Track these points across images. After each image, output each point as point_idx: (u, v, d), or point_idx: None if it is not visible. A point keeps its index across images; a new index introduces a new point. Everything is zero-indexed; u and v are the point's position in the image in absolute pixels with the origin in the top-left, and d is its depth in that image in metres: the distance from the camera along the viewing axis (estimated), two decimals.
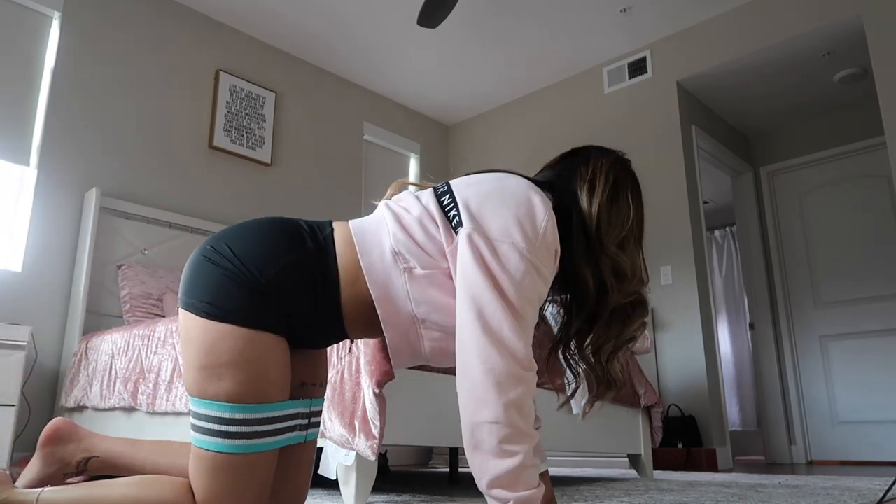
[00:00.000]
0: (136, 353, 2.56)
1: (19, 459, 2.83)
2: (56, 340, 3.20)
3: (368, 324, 1.10)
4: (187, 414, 2.22)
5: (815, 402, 4.56)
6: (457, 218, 1.04)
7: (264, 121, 4.28)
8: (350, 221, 1.14)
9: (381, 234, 1.08)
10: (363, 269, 1.05)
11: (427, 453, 4.66)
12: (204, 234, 3.79)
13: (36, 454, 1.25)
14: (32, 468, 1.24)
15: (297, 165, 4.47)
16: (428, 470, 3.97)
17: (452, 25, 4.22)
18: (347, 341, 1.77)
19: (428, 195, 1.11)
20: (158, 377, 2.38)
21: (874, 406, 4.33)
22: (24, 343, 2.69)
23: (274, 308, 1.03)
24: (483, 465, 0.95)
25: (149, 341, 2.53)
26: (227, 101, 4.11)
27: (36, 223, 3.25)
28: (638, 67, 4.50)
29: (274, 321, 1.03)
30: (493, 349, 0.96)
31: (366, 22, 4.24)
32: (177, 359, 2.34)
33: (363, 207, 4.81)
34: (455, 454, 2.81)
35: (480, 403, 0.95)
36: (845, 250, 4.62)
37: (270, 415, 1.03)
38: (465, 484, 2.59)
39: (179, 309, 1.06)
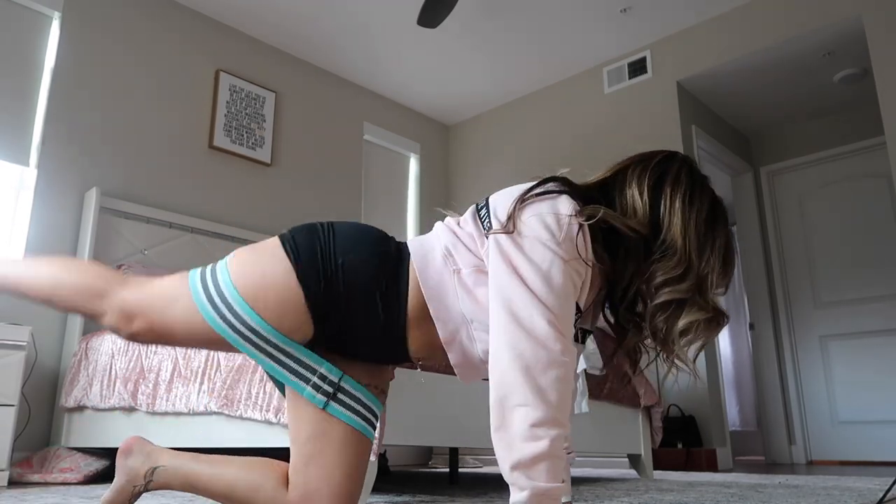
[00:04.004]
0: (136, 353, 2.56)
1: (19, 459, 2.83)
2: (56, 340, 3.20)
3: (431, 340, 1.14)
4: (187, 414, 2.22)
5: (815, 402, 4.56)
6: (487, 222, 1.10)
7: (264, 121, 4.28)
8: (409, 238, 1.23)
9: (435, 242, 1.15)
10: (416, 269, 1.12)
11: (427, 453, 4.66)
12: (204, 233, 3.79)
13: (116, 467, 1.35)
14: (115, 481, 1.32)
15: (297, 165, 4.47)
16: (428, 470, 3.97)
17: (453, 25, 4.22)
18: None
19: (470, 212, 1.17)
20: (158, 377, 2.38)
21: (874, 406, 4.33)
22: (24, 343, 2.69)
23: (331, 284, 1.10)
24: (508, 446, 0.94)
25: None
26: (227, 101, 4.11)
27: (36, 223, 3.25)
28: (638, 67, 4.50)
29: (314, 287, 1.10)
30: (522, 335, 0.98)
31: (366, 22, 4.24)
32: (177, 358, 2.34)
33: (363, 207, 4.81)
34: (455, 454, 2.80)
35: (508, 388, 0.96)
36: (845, 250, 4.61)
37: (295, 352, 1.12)
38: (465, 484, 2.60)
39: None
